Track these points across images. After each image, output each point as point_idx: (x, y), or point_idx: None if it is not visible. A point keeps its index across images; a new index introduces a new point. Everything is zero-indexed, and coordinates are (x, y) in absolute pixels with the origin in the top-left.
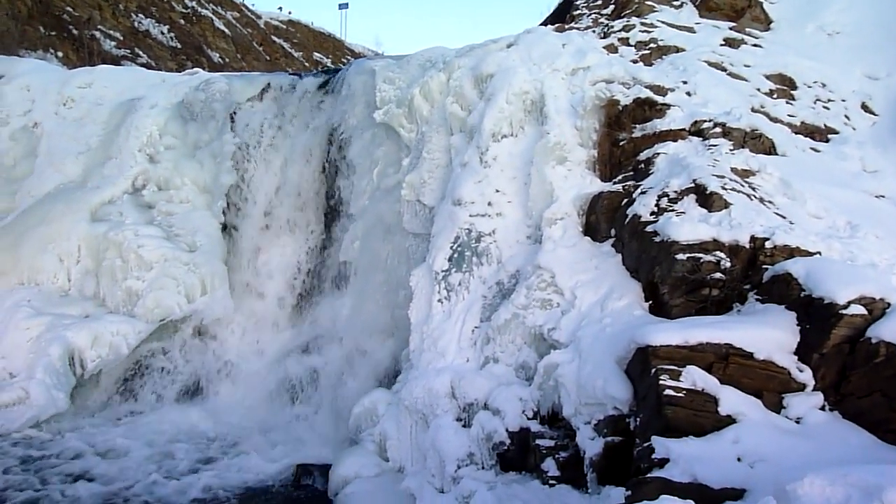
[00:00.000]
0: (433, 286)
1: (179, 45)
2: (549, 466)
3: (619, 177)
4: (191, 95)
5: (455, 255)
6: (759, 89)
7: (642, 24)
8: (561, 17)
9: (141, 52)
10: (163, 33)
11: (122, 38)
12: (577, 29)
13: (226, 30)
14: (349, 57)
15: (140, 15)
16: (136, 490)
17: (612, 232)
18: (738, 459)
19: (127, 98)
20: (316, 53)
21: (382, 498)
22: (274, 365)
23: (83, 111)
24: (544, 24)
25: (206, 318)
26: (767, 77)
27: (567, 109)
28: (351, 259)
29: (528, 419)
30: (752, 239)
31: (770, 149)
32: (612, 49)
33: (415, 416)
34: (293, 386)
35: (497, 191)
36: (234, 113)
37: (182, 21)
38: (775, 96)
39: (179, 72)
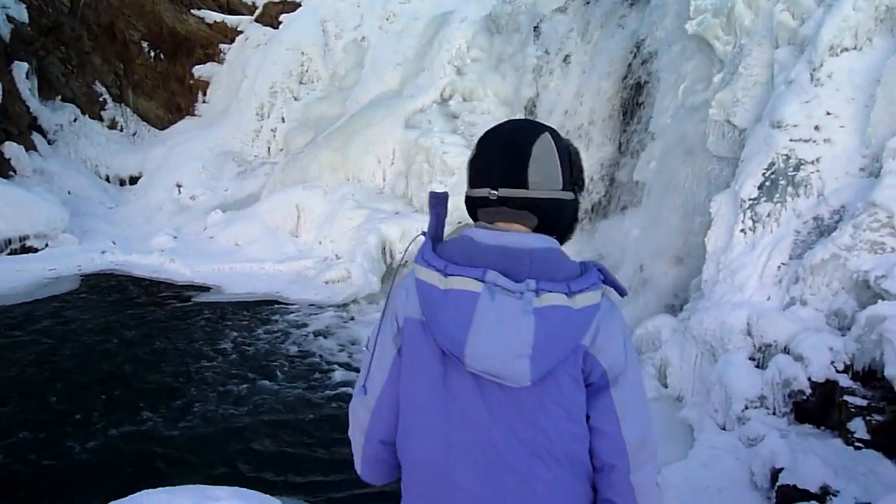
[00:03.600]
0: (737, 214)
1: None
2: (858, 427)
3: None
4: (498, 8)
5: (767, 183)
6: None
7: None
8: None
9: None
10: None
11: None
12: None
13: None
14: None
15: None
16: None
17: None
18: None
19: (440, 12)
20: None
21: (659, 422)
22: None
23: (402, 25)
24: None
25: None
26: None
27: None
28: (646, 179)
29: (838, 372)
30: None
31: None
32: None
33: (702, 347)
34: None
35: (828, 113)
36: (538, 25)
37: None
38: None
39: None
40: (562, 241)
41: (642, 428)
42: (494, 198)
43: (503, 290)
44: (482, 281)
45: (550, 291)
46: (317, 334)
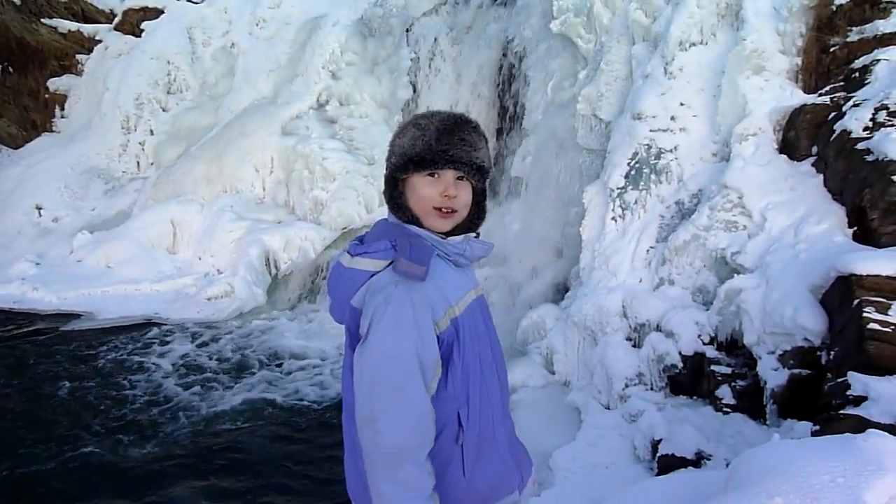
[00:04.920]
0: (607, 204)
1: None
2: (724, 394)
3: (827, 88)
4: (369, 11)
5: (632, 173)
6: None
7: None
8: None
9: None
10: None
11: None
12: None
13: None
14: None
15: None
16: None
17: (814, 150)
18: None
19: (311, 16)
20: None
21: (549, 408)
22: None
23: (273, 31)
24: None
25: None
26: None
27: (768, 12)
28: (522, 175)
29: (704, 344)
30: None
31: None
32: None
33: (583, 332)
34: None
35: (682, 104)
36: (410, 28)
37: None
38: None
39: None
40: (403, 217)
41: (367, 408)
42: None
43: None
44: None
45: (346, 251)
46: (198, 355)
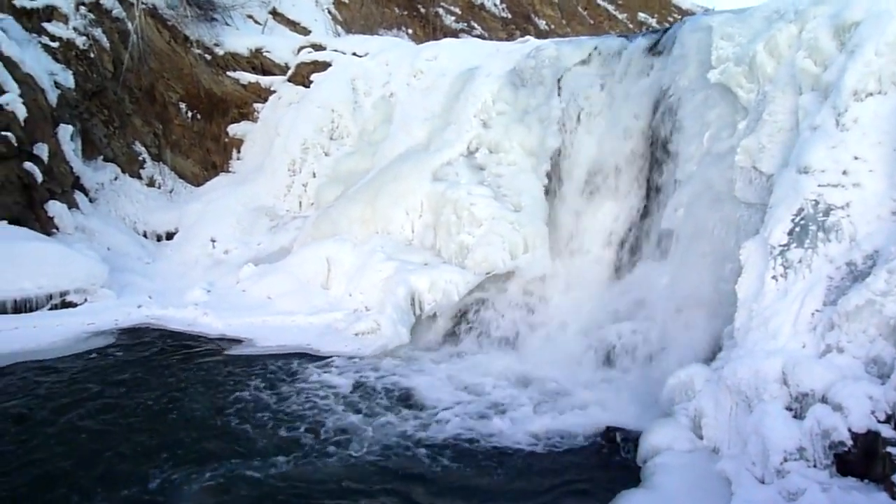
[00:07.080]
0: (767, 261)
1: (509, 16)
2: None
3: None
4: (522, 63)
5: (796, 229)
6: None
7: None
8: None
9: (475, 25)
10: (495, 5)
11: (460, 12)
12: None
13: None
14: (675, 15)
15: None
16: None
17: None
18: None
19: (466, 68)
20: (641, 14)
21: (694, 475)
22: (587, 326)
23: (429, 81)
24: None
25: (526, 275)
26: None
27: None
28: (673, 227)
29: (879, 422)
30: None
31: None
32: None
33: (736, 397)
34: (605, 349)
35: (856, 158)
36: (562, 78)
37: None
38: None
39: (509, 40)
40: None
41: None
42: None
43: None
44: None
45: None
46: (346, 388)
